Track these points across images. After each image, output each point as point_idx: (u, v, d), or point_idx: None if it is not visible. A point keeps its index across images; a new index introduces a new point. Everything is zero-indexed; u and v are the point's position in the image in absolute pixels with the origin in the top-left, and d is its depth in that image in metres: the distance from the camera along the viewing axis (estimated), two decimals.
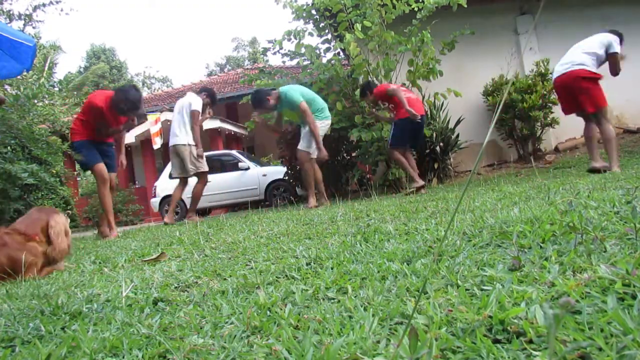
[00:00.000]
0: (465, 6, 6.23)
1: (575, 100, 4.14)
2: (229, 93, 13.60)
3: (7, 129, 5.34)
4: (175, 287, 1.37)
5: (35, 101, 6.57)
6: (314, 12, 6.78)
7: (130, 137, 12.21)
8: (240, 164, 9.99)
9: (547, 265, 0.96)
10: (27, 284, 1.80)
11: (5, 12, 7.09)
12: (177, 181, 9.60)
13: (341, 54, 7.38)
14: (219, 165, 10.09)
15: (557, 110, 6.94)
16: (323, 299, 1.03)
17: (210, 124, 11.93)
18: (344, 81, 6.63)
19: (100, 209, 4.45)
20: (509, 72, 7.36)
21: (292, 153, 6.47)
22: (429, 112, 6.61)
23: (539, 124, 7.11)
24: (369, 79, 6.38)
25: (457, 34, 6.42)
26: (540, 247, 1.14)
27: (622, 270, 0.81)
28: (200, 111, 5.27)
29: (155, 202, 10.03)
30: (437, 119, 6.63)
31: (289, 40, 6.79)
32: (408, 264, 1.21)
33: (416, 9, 6.21)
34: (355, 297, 0.99)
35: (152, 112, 12.76)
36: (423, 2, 6.18)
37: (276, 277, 1.31)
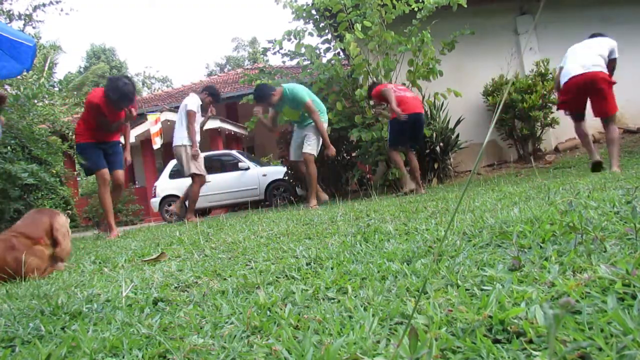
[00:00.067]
0: (465, 6, 6.23)
1: (583, 101, 4.13)
2: (229, 93, 13.59)
3: (7, 129, 5.34)
4: (175, 287, 1.37)
5: (35, 101, 6.58)
6: (314, 12, 6.79)
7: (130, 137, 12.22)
8: (240, 164, 9.99)
9: (547, 265, 0.96)
10: (27, 284, 1.80)
11: (5, 12, 7.09)
12: (177, 181, 9.67)
13: (341, 54, 7.38)
14: (219, 165, 10.09)
15: (557, 110, 6.96)
16: (323, 299, 1.03)
17: (210, 124, 11.93)
18: (344, 81, 6.63)
19: (101, 208, 4.46)
20: (509, 72, 7.36)
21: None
22: (429, 112, 6.61)
23: (539, 124, 7.11)
24: (369, 79, 6.39)
25: (457, 34, 6.42)
26: (540, 247, 1.14)
27: (622, 270, 0.81)
28: (196, 111, 5.26)
29: (155, 202, 10.03)
30: (437, 119, 6.63)
31: (289, 40, 6.79)
32: (408, 264, 1.21)
33: (416, 9, 6.21)
34: (355, 297, 0.99)
35: (152, 112, 12.75)
36: (423, 2, 6.18)
37: (276, 277, 1.31)
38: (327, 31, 6.97)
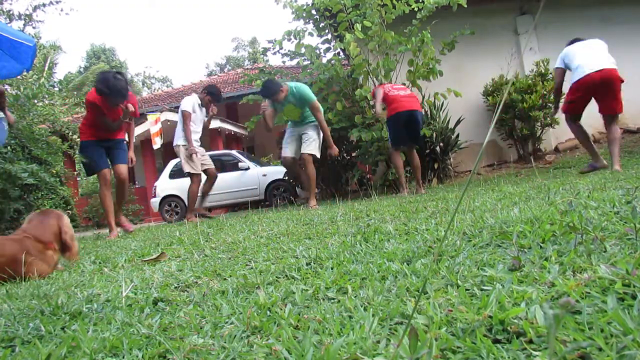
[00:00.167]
0: (465, 6, 6.23)
1: (588, 101, 4.12)
2: (229, 93, 13.59)
3: (7, 128, 5.33)
4: (175, 287, 1.37)
5: (35, 101, 6.58)
6: (314, 12, 6.79)
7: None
8: (240, 164, 9.99)
9: (547, 265, 0.96)
10: (27, 284, 1.80)
11: (5, 12, 7.10)
12: (177, 181, 9.67)
13: (341, 54, 7.38)
14: (219, 165, 10.09)
15: (562, 112, 6.95)
16: (323, 299, 1.03)
17: (210, 123, 11.93)
18: (344, 81, 6.64)
19: (101, 209, 4.47)
20: (509, 72, 7.36)
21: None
22: (429, 112, 6.61)
23: (539, 124, 7.11)
24: (369, 79, 6.39)
25: (457, 34, 6.42)
26: (540, 247, 1.14)
27: (622, 270, 0.81)
28: (191, 111, 5.27)
29: (155, 202, 10.04)
30: (437, 119, 6.63)
31: (289, 40, 6.79)
32: (408, 264, 1.21)
33: (416, 9, 6.21)
34: (355, 297, 0.99)
35: (152, 112, 12.76)
36: (423, 2, 6.18)
37: (276, 277, 1.31)
38: (327, 31, 6.97)
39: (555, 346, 0.59)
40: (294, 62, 7.63)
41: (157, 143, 12.21)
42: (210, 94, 5.41)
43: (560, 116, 6.71)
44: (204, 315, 1.03)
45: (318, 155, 5.01)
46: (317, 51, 7.02)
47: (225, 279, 1.39)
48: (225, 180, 9.65)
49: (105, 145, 4.24)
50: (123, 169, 4.30)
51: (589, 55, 4.13)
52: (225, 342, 0.84)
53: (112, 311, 1.16)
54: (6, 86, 6.35)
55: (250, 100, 7.07)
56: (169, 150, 12.92)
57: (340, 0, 6.12)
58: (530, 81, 6.94)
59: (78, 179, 14.25)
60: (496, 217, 1.66)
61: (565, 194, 2.14)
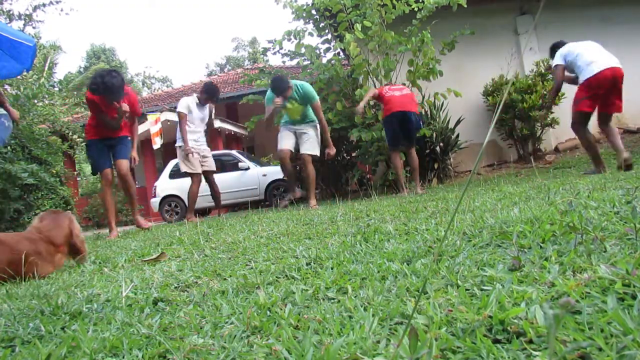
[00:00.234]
0: (465, 6, 6.24)
1: (599, 97, 4.12)
2: (229, 93, 13.58)
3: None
4: (175, 287, 1.37)
5: (35, 101, 6.58)
6: (314, 12, 6.79)
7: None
8: (240, 164, 9.99)
9: (547, 265, 0.96)
10: (27, 284, 1.80)
11: (5, 12, 7.10)
12: (177, 181, 9.67)
13: (341, 54, 7.38)
14: (219, 165, 10.08)
15: (557, 110, 6.95)
16: (323, 299, 1.03)
17: None
18: (344, 81, 6.64)
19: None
20: (509, 72, 7.37)
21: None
22: (429, 112, 6.61)
23: (539, 124, 7.11)
24: (369, 79, 6.39)
25: (457, 34, 6.42)
26: (540, 247, 1.14)
27: (622, 270, 0.81)
28: (185, 112, 5.25)
29: (155, 202, 10.04)
30: (437, 119, 6.63)
31: (289, 40, 6.79)
32: (408, 264, 1.21)
33: (416, 9, 6.22)
34: (355, 297, 0.99)
35: (152, 112, 12.76)
36: (423, 2, 6.18)
37: (276, 277, 1.31)
38: (327, 31, 6.97)
39: (555, 346, 0.59)
40: (294, 62, 7.64)
41: (157, 143, 12.21)
42: (207, 92, 5.39)
43: (560, 116, 6.75)
44: (204, 315, 1.03)
45: (318, 154, 5.01)
46: (317, 51, 7.02)
47: (225, 279, 1.39)
48: (225, 180, 9.65)
49: (108, 143, 4.23)
50: (122, 164, 4.25)
51: (597, 53, 4.14)
52: (225, 342, 0.84)
53: (112, 311, 1.16)
54: (6, 86, 6.35)
55: (250, 100, 7.07)
56: (169, 150, 12.92)
57: (340, 0, 6.13)
58: (530, 81, 6.94)
59: (78, 179, 14.26)
60: (496, 217, 1.66)
61: (565, 194, 2.14)
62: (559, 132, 7.42)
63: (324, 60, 6.95)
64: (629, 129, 7.35)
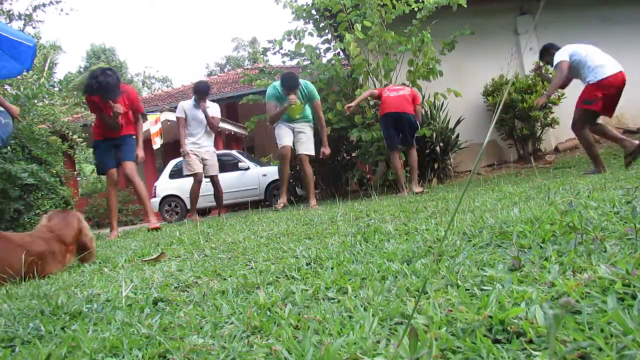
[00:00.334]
0: (465, 6, 6.23)
1: (612, 98, 4.14)
2: (229, 93, 13.58)
3: None
4: (175, 287, 1.37)
5: (35, 101, 6.57)
6: (314, 12, 6.79)
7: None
8: (240, 164, 9.99)
9: (547, 265, 0.96)
10: (27, 284, 1.80)
11: (5, 12, 7.09)
12: (177, 181, 9.68)
13: (341, 54, 7.38)
14: (219, 165, 10.09)
15: (557, 110, 6.96)
16: (323, 299, 1.03)
17: None
18: (344, 81, 6.64)
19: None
20: (509, 72, 7.36)
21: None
22: (429, 112, 6.61)
23: (539, 124, 7.11)
24: (369, 79, 6.39)
25: (457, 34, 6.42)
26: (540, 247, 1.14)
27: (622, 270, 0.81)
28: (182, 116, 5.28)
29: (155, 202, 10.04)
30: (437, 119, 6.63)
31: (289, 40, 6.79)
32: (408, 264, 1.21)
33: (416, 9, 6.22)
34: (355, 297, 0.99)
35: (152, 112, 12.76)
36: (423, 2, 6.18)
37: (276, 277, 1.31)
38: (327, 31, 6.97)
39: (555, 346, 0.59)
40: (294, 62, 7.64)
41: (157, 143, 12.22)
42: (196, 92, 5.36)
43: (560, 116, 6.75)
44: (204, 315, 1.03)
45: (314, 154, 5.02)
46: (317, 51, 7.02)
47: (225, 279, 1.39)
48: (225, 180, 9.65)
49: (112, 143, 4.24)
50: (127, 166, 4.26)
51: (605, 56, 4.18)
52: (225, 342, 0.84)
53: (112, 311, 1.16)
54: (6, 86, 6.35)
55: (250, 100, 7.07)
56: (169, 150, 12.93)
57: (340, 0, 6.12)
58: (530, 81, 6.94)
59: (78, 179, 14.26)
60: (496, 217, 1.66)
61: (565, 194, 2.14)
62: (559, 132, 7.41)
63: (324, 60, 6.95)
64: (629, 129, 7.35)
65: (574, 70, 4.30)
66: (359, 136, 6.01)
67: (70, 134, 7.23)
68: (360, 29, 6.03)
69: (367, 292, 0.99)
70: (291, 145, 4.96)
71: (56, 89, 9.64)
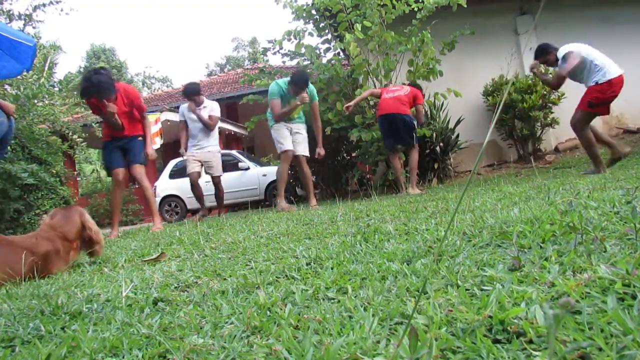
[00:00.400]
0: (465, 6, 6.24)
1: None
2: (229, 93, 13.58)
3: None
4: (175, 287, 1.37)
5: (35, 101, 6.57)
6: (314, 12, 6.79)
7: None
8: (240, 164, 9.99)
9: (547, 265, 0.96)
10: (27, 284, 1.80)
11: (5, 12, 7.09)
12: (177, 181, 9.67)
13: (341, 54, 7.38)
14: None
15: (557, 110, 6.96)
16: (323, 299, 1.03)
17: None
18: (344, 81, 6.64)
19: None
20: (509, 72, 7.37)
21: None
22: (429, 112, 6.61)
23: (539, 124, 7.11)
24: (369, 79, 6.39)
25: (457, 34, 6.42)
26: (540, 247, 1.14)
27: (622, 270, 0.81)
28: (182, 119, 5.26)
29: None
30: (437, 119, 6.63)
31: (289, 40, 6.80)
32: (408, 264, 1.21)
33: (416, 9, 6.22)
34: (355, 297, 0.99)
35: (152, 112, 12.75)
36: (423, 2, 6.19)
37: (276, 277, 1.31)
38: (327, 31, 6.97)
39: (555, 346, 0.59)
40: (294, 62, 7.64)
41: (157, 143, 12.21)
42: (185, 94, 5.31)
43: (560, 116, 6.75)
44: (204, 315, 1.03)
45: (309, 155, 5.03)
46: (317, 51, 7.02)
47: (225, 279, 1.39)
48: (225, 180, 9.64)
49: (119, 144, 4.23)
50: (134, 169, 4.27)
51: (606, 57, 4.18)
52: (225, 342, 0.84)
53: (112, 311, 1.16)
54: (6, 86, 6.35)
55: (250, 100, 7.07)
56: (169, 150, 12.91)
57: (340, 0, 6.13)
58: (530, 81, 6.94)
59: (78, 179, 14.26)
60: (496, 217, 1.66)
61: (565, 194, 2.14)
62: (559, 132, 7.42)
63: (324, 60, 6.95)
64: (629, 129, 7.35)
65: (577, 70, 4.28)
66: (358, 136, 6.01)
67: (70, 134, 7.22)
68: (360, 29, 6.03)
69: (367, 292, 0.99)
70: (292, 148, 4.98)
71: (56, 89, 9.63)
